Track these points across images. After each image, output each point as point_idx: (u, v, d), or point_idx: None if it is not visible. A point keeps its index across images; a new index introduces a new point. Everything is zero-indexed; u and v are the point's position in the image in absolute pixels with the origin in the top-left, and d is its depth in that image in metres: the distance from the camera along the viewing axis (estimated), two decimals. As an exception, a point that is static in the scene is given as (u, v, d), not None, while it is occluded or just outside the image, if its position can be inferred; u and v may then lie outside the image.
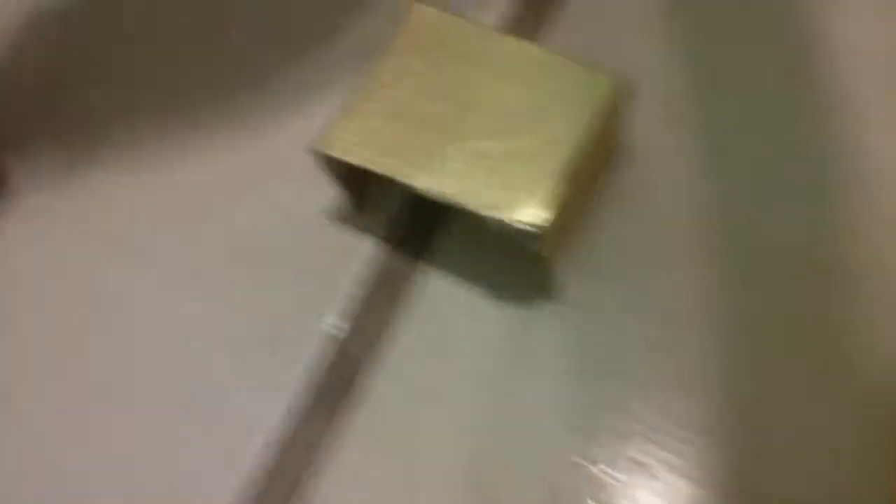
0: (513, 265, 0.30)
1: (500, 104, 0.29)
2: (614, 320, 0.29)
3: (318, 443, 0.28)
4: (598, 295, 0.30)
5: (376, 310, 0.30)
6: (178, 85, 0.35)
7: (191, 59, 0.35)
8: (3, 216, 0.33)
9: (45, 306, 0.31)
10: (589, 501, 0.26)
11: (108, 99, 0.35)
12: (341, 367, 0.29)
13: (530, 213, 0.27)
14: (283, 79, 0.34)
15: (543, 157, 0.28)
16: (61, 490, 0.28)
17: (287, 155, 0.32)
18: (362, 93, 0.30)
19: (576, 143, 0.28)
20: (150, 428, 0.29)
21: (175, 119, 0.34)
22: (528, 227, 0.27)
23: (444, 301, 0.30)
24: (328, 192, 0.32)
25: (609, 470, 0.27)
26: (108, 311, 0.31)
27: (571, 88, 0.29)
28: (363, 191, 0.32)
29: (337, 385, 0.29)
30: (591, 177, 0.30)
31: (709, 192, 0.30)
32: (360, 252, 0.31)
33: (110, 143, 0.34)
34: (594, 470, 0.27)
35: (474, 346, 0.29)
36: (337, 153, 0.29)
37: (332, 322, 0.30)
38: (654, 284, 0.29)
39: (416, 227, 0.32)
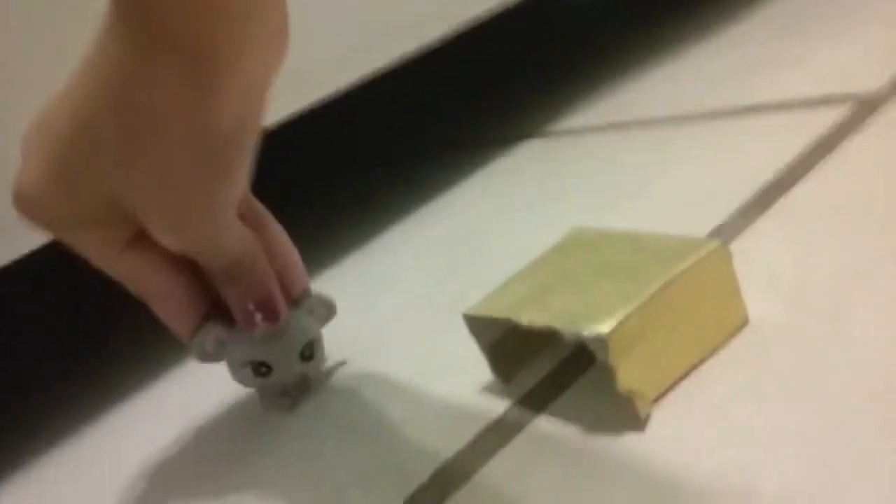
0: (619, 409, 0.31)
1: (610, 268, 0.34)
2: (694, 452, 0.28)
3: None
4: (692, 430, 0.29)
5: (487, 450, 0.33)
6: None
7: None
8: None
9: None
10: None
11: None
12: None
13: (598, 326, 0.30)
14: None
15: (629, 292, 0.31)
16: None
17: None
18: (511, 279, 0.36)
19: (662, 283, 0.31)
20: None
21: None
22: (594, 335, 0.30)
23: (552, 442, 0.32)
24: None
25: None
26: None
27: (673, 251, 0.33)
28: (508, 364, 0.36)
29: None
30: (697, 332, 0.32)
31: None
32: (494, 410, 0.35)
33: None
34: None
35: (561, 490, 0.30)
36: (472, 311, 0.35)
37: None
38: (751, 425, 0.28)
39: (547, 390, 0.35)
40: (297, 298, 0.41)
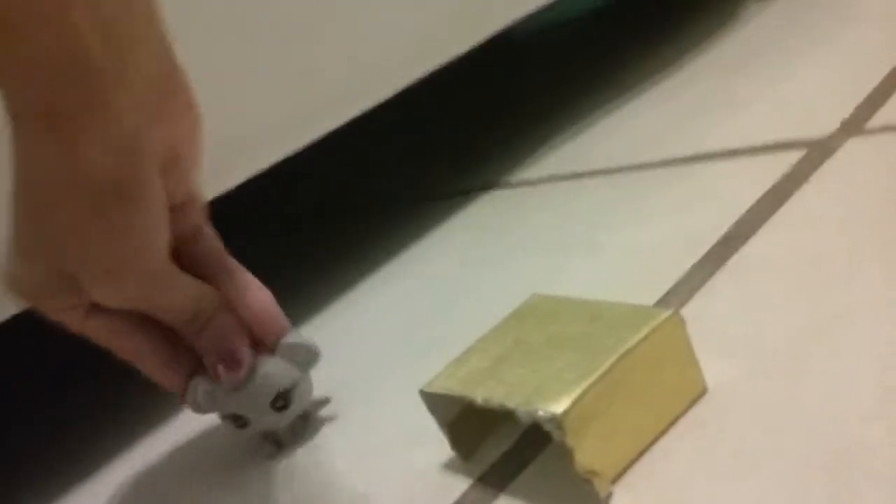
0: (579, 489, 0.30)
1: (565, 339, 0.33)
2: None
3: None
4: (651, 511, 0.28)
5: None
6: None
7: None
8: None
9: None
10: None
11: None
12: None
13: (552, 405, 0.29)
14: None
15: (583, 366, 0.30)
16: None
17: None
18: (467, 351, 0.36)
19: (616, 357, 0.30)
20: None
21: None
22: (549, 416, 0.29)
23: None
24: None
25: None
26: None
27: (627, 320, 0.32)
28: (467, 439, 0.35)
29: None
30: (654, 405, 0.31)
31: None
32: (455, 489, 0.34)
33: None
34: None
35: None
36: (429, 388, 0.34)
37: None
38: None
39: (507, 468, 0.34)
40: (273, 346, 0.41)
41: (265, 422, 0.41)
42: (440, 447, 0.36)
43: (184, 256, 0.40)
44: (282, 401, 0.41)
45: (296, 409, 0.42)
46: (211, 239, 0.41)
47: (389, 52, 0.59)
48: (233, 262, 0.41)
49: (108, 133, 0.33)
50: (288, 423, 0.42)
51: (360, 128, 0.64)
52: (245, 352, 0.39)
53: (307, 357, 0.42)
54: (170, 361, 0.40)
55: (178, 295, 0.38)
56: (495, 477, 0.34)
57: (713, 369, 0.33)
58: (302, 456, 0.42)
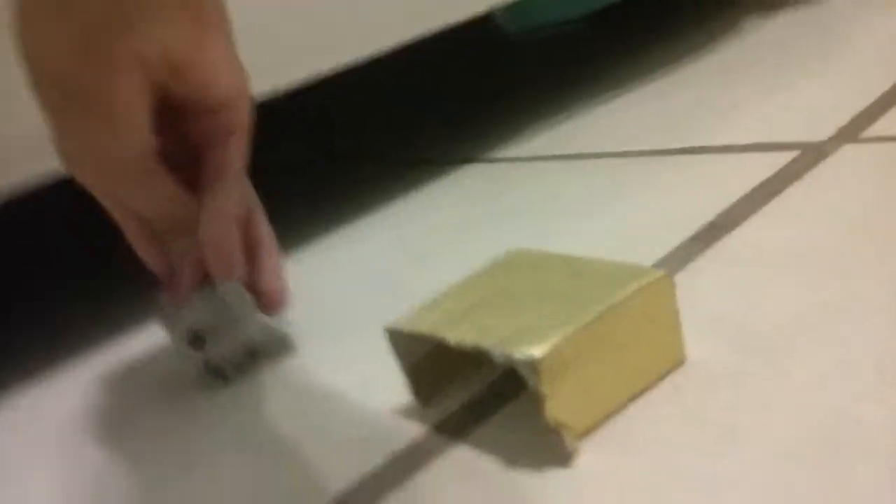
0: (544, 442, 0.29)
1: (547, 290, 0.31)
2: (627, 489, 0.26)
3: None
4: (621, 469, 0.27)
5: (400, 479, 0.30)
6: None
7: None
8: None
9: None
10: None
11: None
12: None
13: (530, 349, 0.28)
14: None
15: (565, 316, 0.29)
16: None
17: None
18: (441, 295, 0.34)
19: (601, 309, 0.29)
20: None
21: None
22: (525, 358, 0.27)
23: (470, 475, 0.29)
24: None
25: None
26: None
27: (614, 277, 0.31)
28: (429, 386, 0.34)
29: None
30: (632, 365, 0.30)
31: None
32: (407, 434, 0.32)
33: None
34: None
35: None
36: (395, 326, 0.33)
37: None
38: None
39: (467, 417, 0.32)
40: (214, 282, 0.40)
41: (183, 352, 0.41)
42: (399, 393, 0.35)
43: (205, 162, 0.39)
44: (196, 340, 0.41)
45: (214, 352, 0.41)
46: (226, 151, 0.39)
47: (384, 8, 0.57)
48: (224, 185, 0.39)
49: (61, 38, 0.33)
50: (230, 359, 0.42)
51: (364, 89, 0.62)
52: (184, 282, 0.40)
53: (239, 304, 0.41)
54: (160, 252, 0.41)
55: (152, 200, 0.38)
56: (453, 425, 0.32)
57: (694, 343, 0.32)
58: (251, 389, 0.40)
